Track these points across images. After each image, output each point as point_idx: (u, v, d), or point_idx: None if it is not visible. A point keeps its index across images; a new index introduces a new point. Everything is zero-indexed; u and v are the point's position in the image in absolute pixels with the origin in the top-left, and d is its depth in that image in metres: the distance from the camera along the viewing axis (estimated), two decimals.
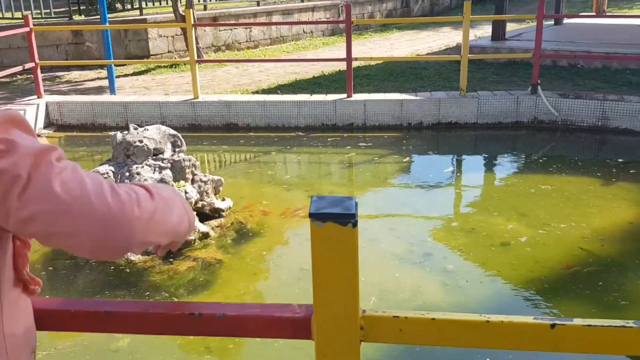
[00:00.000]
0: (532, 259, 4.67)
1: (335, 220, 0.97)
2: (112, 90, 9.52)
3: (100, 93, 10.22)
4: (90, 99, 8.98)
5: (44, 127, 8.79)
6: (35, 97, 9.00)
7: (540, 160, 7.19)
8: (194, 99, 8.74)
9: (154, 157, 5.05)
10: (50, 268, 4.65)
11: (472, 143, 8.18)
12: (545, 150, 7.82)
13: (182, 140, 5.28)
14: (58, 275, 4.55)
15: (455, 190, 6.26)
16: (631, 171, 6.59)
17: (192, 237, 4.84)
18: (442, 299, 4.16)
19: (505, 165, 7.15)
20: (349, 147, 7.79)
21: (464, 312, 3.87)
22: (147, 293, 4.25)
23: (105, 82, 10.17)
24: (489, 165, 7.14)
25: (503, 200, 5.91)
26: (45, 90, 9.26)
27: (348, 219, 0.97)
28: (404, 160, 7.38)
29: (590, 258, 4.67)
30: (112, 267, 4.57)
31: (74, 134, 8.75)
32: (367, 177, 6.89)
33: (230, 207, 5.56)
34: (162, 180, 4.87)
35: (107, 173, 4.83)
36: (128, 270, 4.52)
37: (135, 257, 4.62)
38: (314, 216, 0.98)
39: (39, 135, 8.58)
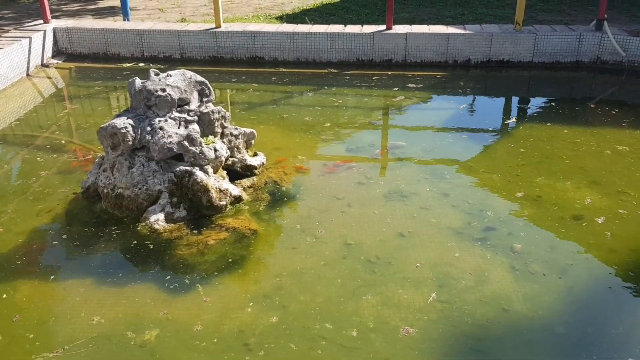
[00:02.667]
0: (612, 237, 4.05)
1: None
2: (125, 12, 8.64)
3: (112, 15, 9.39)
4: (102, 26, 8.15)
5: (53, 57, 8.05)
6: (42, 22, 8.19)
7: (609, 111, 6.39)
8: (215, 28, 7.89)
9: (178, 109, 4.37)
10: (65, 236, 4.12)
11: (527, 85, 7.34)
12: (611, 97, 6.98)
13: (211, 88, 4.58)
14: (72, 246, 4.03)
15: (514, 145, 5.54)
16: None
17: (224, 202, 4.26)
18: (513, 289, 3.59)
19: (569, 115, 6.35)
20: (388, 88, 7.01)
21: (541, 307, 3.30)
22: (173, 273, 3.72)
23: (117, 1, 9.29)
24: (550, 115, 6.36)
25: (571, 160, 5.22)
26: (52, 9, 8.42)
27: None
28: (450, 105, 6.62)
29: None
30: (135, 240, 4.02)
31: (86, 64, 8.01)
32: (412, 124, 6.17)
33: (263, 164, 4.93)
34: (188, 137, 4.22)
35: (125, 127, 4.18)
36: (152, 242, 3.98)
37: (159, 226, 4.06)
38: None
39: (46, 66, 7.86)
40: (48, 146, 5.63)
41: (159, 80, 4.38)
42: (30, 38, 7.49)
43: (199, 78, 4.54)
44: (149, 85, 4.34)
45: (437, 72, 7.50)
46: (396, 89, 7.00)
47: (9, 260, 3.87)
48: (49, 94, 7.24)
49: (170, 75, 4.44)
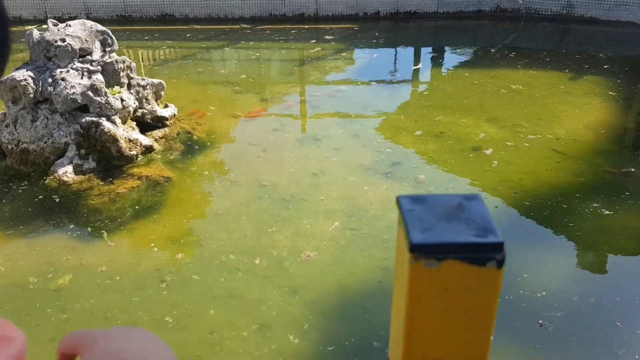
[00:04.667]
0: (507, 165, 4.38)
1: (463, 256, 0.50)
2: None
3: None
4: None
5: None
6: None
7: (507, 55, 6.78)
8: None
9: (80, 59, 4.27)
10: None
11: (433, 34, 7.63)
12: (510, 42, 7.40)
13: (113, 38, 4.49)
14: None
15: (418, 89, 5.81)
16: (599, 64, 6.31)
17: (134, 152, 4.24)
18: None
19: (471, 60, 6.70)
20: (300, 41, 7.09)
21: None
22: (88, 219, 3.71)
23: None
24: (453, 60, 6.67)
25: (471, 100, 5.53)
26: None
27: (489, 254, 0.50)
28: (361, 55, 6.80)
29: (566, 160, 4.43)
30: (44, 193, 3.95)
31: None
32: (323, 75, 6.30)
33: (175, 115, 4.92)
34: (92, 87, 4.14)
35: (25, 79, 4.05)
36: (62, 194, 3.92)
37: (68, 178, 4.01)
38: (420, 249, 0.50)
39: None
40: None
41: (58, 30, 4.25)
42: None
43: (101, 27, 4.44)
44: (48, 35, 4.21)
45: (350, 25, 7.65)
46: (314, 41, 7.09)
47: None
48: None
49: (70, 25, 4.32)
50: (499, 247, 0.51)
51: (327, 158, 4.49)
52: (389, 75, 6.26)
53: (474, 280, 0.51)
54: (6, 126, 4.22)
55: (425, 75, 6.23)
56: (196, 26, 7.59)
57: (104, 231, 3.58)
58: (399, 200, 0.55)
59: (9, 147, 4.17)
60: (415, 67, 6.45)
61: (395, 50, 7.06)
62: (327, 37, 7.29)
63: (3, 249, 3.47)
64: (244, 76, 6.07)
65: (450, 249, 0.51)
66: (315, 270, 3.27)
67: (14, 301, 3.05)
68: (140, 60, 6.74)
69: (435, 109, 5.33)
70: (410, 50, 7.18)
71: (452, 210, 0.54)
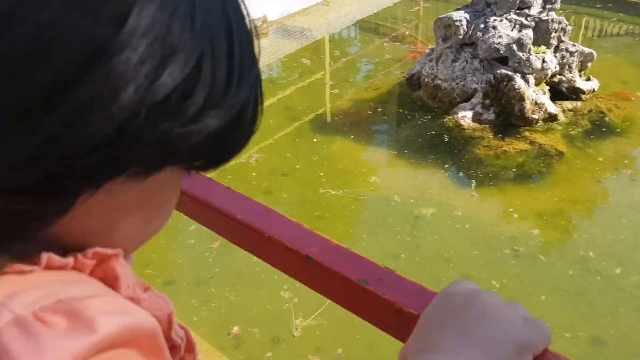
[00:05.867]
0: None
1: None
2: None
3: None
4: None
5: None
6: None
7: None
8: None
9: (517, 11, 4.20)
10: (379, 110, 4.52)
11: None
12: None
13: None
14: (381, 120, 4.40)
15: None
16: None
17: (536, 116, 4.05)
18: None
19: None
20: None
21: None
22: (467, 165, 3.78)
23: None
24: None
25: None
26: None
27: None
28: None
29: None
30: (435, 131, 4.17)
31: None
32: None
33: (593, 90, 4.46)
34: (518, 41, 4.05)
35: (460, 20, 4.23)
36: (453, 136, 4.07)
37: (464, 122, 4.12)
38: None
39: None
40: (395, 36, 6.10)
41: None
42: None
43: None
44: None
45: None
46: None
47: (330, 114, 4.48)
48: None
49: None
50: None
51: None
52: None
53: None
54: (429, 60, 4.55)
55: None
56: None
57: (473, 180, 3.59)
58: None
59: (426, 80, 4.50)
60: None
61: None
62: None
63: (385, 165, 3.85)
64: None
65: None
66: None
67: (375, 214, 3.38)
68: (583, 26, 6.27)
69: None
70: None
71: None
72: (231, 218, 0.65)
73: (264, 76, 5.31)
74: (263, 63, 5.59)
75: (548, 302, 2.72)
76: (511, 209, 3.36)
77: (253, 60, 0.42)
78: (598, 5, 6.70)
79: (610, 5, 6.69)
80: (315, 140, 4.12)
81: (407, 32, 6.20)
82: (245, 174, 3.75)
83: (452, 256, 2.99)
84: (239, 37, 0.40)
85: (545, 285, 2.81)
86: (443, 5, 7.07)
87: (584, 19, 6.47)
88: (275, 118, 4.49)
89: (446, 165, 3.77)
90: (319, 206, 3.41)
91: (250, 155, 3.94)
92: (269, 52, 5.82)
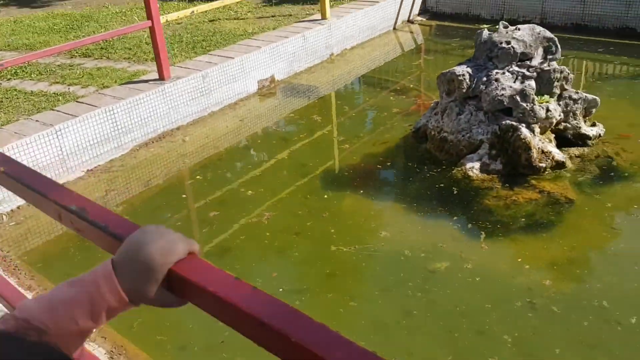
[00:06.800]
0: None
1: None
2: None
3: None
4: None
5: (419, 14, 8.70)
6: None
7: None
8: None
9: (519, 63, 4.31)
10: (388, 164, 4.58)
11: None
12: None
13: (558, 46, 4.35)
14: (391, 174, 4.46)
15: None
16: None
17: (543, 165, 4.09)
18: None
19: None
20: None
21: None
22: (476, 216, 3.79)
23: None
24: None
25: None
26: None
27: None
28: None
29: None
30: (444, 183, 4.21)
31: (446, 23, 8.43)
32: None
33: (600, 136, 4.50)
34: (522, 92, 4.14)
35: (463, 74, 4.34)
36: (462, 187, 4.10)
37: (472, 173, 4.16)
38: None
39: (411, 22, 8.57)
40: (399, 89, 6.23)
41: (506, 32, 4.37)
42: None
43: (548, 34, 4.36)
44: (495, 37, 4.38)
45: None
46: None
47: (340, 170, 4.55)
48: (408, 46, 7.92)
49: (519, 29, 4.38)
50: None
51: None
52: None
53: None
54: (435, 114, 4.64)
55: None
56: None
57: (483, 232, 3.60)
58: None
59: (432, 133, 4.58)
60: None
61: None
62: None
63: (396, 219, 3.88)
64: None
65: None
66: None
67: (387, 270, 3.39)
68: (584, 72, 6.38)
69: None
70: None
71: None
72: (257, 322, 0.68)
73: (273, 133, 5.44)
74: (272, 120, 5.73)
75: (563, 356, 2.69)
76: (522, 260, 3.35)
77: None
78: (600, 49, 6.82)
79: (612, 48, 6.81)
80: (325, 196, 4.18)
81: (410, 85, 6.33)
82: (258, 233, 3.80)
83: (465, 311, 2.98)
84: None
85: (561, 338, 2.78)
86: (442, 58, 7.23)
87: (585, 63, 6.58)
88: (286, 174, 4.58)
89: (455, 218, 3.79)
90: (331, 263, 3.43)
91: (262, 213, 4.00)
92: (278, 110, 5.97)
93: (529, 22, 7.74)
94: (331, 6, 8.14)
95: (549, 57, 4.34)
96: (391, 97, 6.03)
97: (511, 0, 7.91)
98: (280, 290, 3.21)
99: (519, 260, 3.35)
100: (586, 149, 4.40)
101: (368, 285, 3.27)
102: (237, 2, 8.97)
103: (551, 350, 2.72)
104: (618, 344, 2.74)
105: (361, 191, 4.20)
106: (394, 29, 8.30)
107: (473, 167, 4.20)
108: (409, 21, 8.54)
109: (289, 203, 4.16)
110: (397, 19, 8.30)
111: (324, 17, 7.24)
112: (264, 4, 9.18)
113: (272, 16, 8.29)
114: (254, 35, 6.90)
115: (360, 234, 3.70)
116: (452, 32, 8.10)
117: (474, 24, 8.07)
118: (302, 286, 3.27)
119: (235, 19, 8.39)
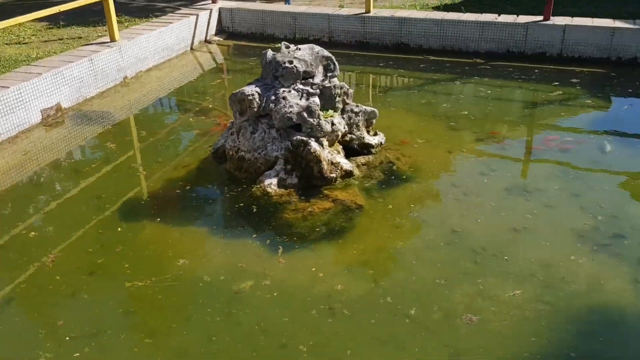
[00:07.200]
0: None
1: None
2: None
3: None
4: (261, 8, 8.68)
5: (215, 34, 8.75)
6: (210, 1, 8.95)
7: None
8: (365, 13, 7.98)
9: (302, 81, 4.52)
10: (188, 188, 4.50)
11: None
12: None
13: (336, 64, 4.66)
14: (193, 198, 4.39)
15: None
16: None
17: (334, 175, 4.33)
18: (629, 301, 3.19)
19: None
20: (541, 82, 6.55)
21: None
22: (276, 231, 3.88)
23: None
24: None
25: None
26: None
27: None
28: (607, 104, 6.00)
29: None
30: (243, 202, 4.25)
31: (243, 43, 8.59)
32: (555, 121, 5.71)
33: (381, 144, 4.91)
34: (308, 109, 4.35)
35: (252, 94, 4.43)
36: (261, 204, 4.18)
37: (271, 189, 4.26)
38: None
39: (209, 42, 8.58)
40: (198, 110, 6.16)
41: (288, 52, 4.57)
42: (197, 16, 8.22)
43: (326, 53, 4.65)
44: (279, 57, 4.55)
45: (599, 69, 6.83)
46: (556, 83, 6.50)
47: (138, 199, 4.35)
48: (207, 66, 7.91)
49: (299, 49, 4.60)
50: None
51: (534, 214, 4.03)
52: (636, 132, 5.40)
53: None
54: (231, 134, 4.67)
55: None
56: (423, 56, 7.56)
57: (280, 246, 3.71)
58: None
59: (230, 152, 4.60)
60: None
61: None
62: (573, 80, 6.61)
63: (196, 244, 3.81)
64: (465, 112, 5.81)
65: None
66: (493, 340, 2.93)
67: (186, 299, 3.32)
68: (371, 85, 6.93)
69: None
70: None
71: None
72: None
73: (64, 165, 5.02)
74: (62, 152, 5.29)
75: (359, 355, 2.85)
76: (318, 269, 3.50)
77: None
78: (381, 64, 7.47)
79: (391, 62, 7.50)
80: (119, 229, 3.96)
81: (210, 105, 6.31)
82: (44, 278, 3.46)
83: (265, 327, 3.02)
84: None
85: (354, 338, 2.95)
86: (241, 76, 7.36)
87: (370, 77, 7.16)
88: (78, 209, 4.25)
89: (254, 235, 3.85)
90: (125, 301, 3.25)
91: (48, 255, 3.65)
92: (68, 140, 5.53)
93: (318, 40, 8.24)
94: (125, 27, 7.82)
95: (329, 74, 4.63)
96: (191, 119, 5.95)
97: (301, 21, 8.32)
98: (67, 338, 2.95)
99: (314, 269, 3.50)
100: (371, 157, 4.76)
101: (166, 318, 3.15)
102: (19, 25, 8.20)
103: (343, 352, 2.86)
104: (406, 336, 2.98)
105: (158, 219, 4.06)
106: (192, 49, 8.23)
107: (271, 184, 4.29)
108: (207, 41, 8.54)
109: (80, 241, 3.86)
110: (193, 39, 8.24)
111: (112, 40, 6.92)
112: (51, 26, 8.50)
113: (60, 39, 7.71)
114: (37, 61, 6.33)
115: (157, 265, 3.56)
116: (249, 51, 8.28)
117: (269, 42, 8.34)
118: (92, 330, 3.03)
119: (17, 43, 7.64)
